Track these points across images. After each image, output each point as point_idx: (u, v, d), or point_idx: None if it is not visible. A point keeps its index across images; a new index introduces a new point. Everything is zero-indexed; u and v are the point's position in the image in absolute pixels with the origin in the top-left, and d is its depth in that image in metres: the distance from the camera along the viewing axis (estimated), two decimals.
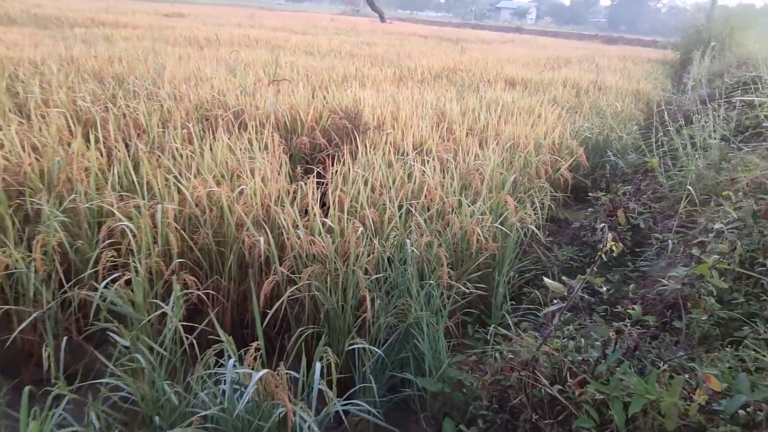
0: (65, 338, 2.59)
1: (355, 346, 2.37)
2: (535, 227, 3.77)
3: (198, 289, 2.91)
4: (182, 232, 3.22)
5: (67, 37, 10.27)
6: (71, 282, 2.93)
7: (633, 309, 2.15)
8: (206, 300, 3.16)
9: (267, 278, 3.31)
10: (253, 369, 2.05)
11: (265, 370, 1.93)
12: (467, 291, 2.99)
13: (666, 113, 7.39)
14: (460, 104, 6.52)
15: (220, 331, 2.19)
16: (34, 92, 5.12)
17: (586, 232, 3.98)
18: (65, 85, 5.60)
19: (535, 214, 3.85)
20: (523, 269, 3.75)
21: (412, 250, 2.87)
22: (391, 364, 2.90)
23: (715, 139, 4.32)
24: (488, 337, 3.34)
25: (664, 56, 18.96)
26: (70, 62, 7.19)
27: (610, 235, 2.13)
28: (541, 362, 2.24)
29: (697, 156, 4.31)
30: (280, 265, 3.03)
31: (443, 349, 2.75)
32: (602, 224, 3.74)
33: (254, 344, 2.05)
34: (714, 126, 4.48)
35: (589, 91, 9.00)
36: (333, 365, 2.32)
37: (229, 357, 2.09)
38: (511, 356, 2.31)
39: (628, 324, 2.10)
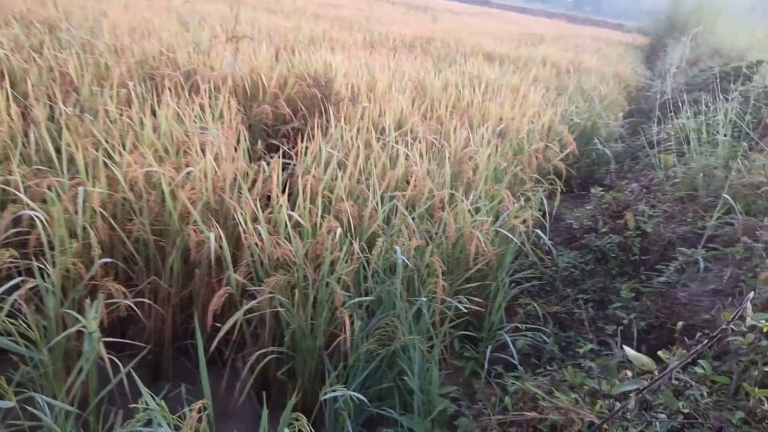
0: None
1: (332, 394, 1.83)
2: (533, 227, 3.28)
3: (126, 297, 2.29)
4: (111, 221, 2.57)
5: None
6: None
7: (701, 366, 1.67)
8: (138, 307, 2.55)
9: (217, 279, 2.71)
10: None
11: None
12: (463, 307, 2.47)
13: (649, 100, 7.03)
14: (439, 78, 5.94)
15: (144, 390, 1.60)
16: None
17: (588, 235, 3.52)
18: None
19: (531, 211, 3.36)
20: (517, 276, 3.26)
21: (403, 260, 2.32)
22: (369, 394, 2.38)
23: (725, 135, 3.91)
24: (478, 355, 2.86)
25: (633, 40, 18.76)
26: None
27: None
28: None
29: (705, 152, 3.89)
30: (235, 269, 2.44)
31: (435, 381, 2.24)
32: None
33: (199, 403, 1.48)
34: (725, 119, 4.07)
35: (570, 71, 8.55)
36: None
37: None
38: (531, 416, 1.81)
39: (694, 385, 1.62)
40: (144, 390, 1.50)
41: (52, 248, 2.29)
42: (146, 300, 2.45)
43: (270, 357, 2.44)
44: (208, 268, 2.69)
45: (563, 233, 3.88)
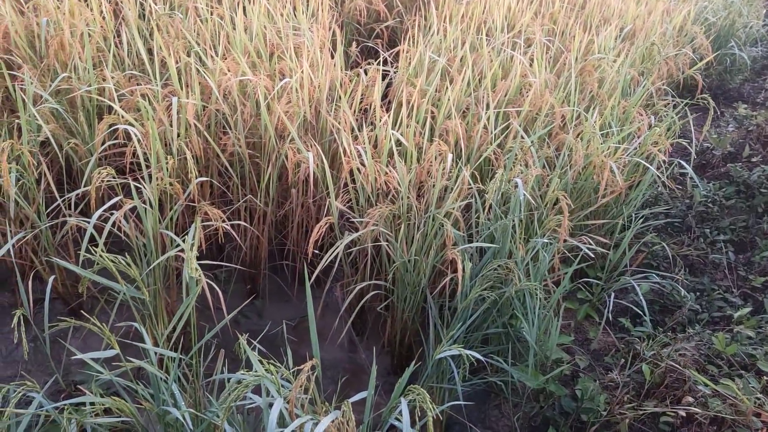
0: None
1: (448, 353, 1.64)
2: (664, 153, 2.83)
3: (223, 220, 2.16)
4: (206, 134, 2.41)
5: None
6: (63, 199, 2.21)
7: None
8: (233, 227, 2.44)
9: (313, 199, 2.54)
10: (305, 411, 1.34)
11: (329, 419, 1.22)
12: (585, 248, 2.17)
13: None
14: None
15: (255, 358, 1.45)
16: None
17: (731, 163, 3.01)
18: None
19: (667, 134, 2.89)
20: (645, 211, 2.87)
21: (524, 195, 2.02)
22: (473, 339, 2.20)
23: None
24: (592, 297, 2.59)
25: None
26: None
27: None
28: None
29: None
30: (336, 196, 2.24)
31: (555, 334, 2.01)
32: None
33: (309, 363, 1.33)
34: None
35: None
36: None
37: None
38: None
39: None
40: (253, 357, 1.36)
41: (148, 164, 2.17)
42: (241, 222, 2.31)
43: (366, 287, 2.29)
44: (305, 188, 2.52)
45: (696, 159, 3.38)
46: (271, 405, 1.34)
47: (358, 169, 2.08)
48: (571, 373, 2.20)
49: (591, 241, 2.24)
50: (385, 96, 3.25)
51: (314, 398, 1.43)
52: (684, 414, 1.52)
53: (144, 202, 2.10)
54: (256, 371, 1.27)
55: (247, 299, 2.87)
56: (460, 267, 1.84)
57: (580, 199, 2.50)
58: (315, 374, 1.38)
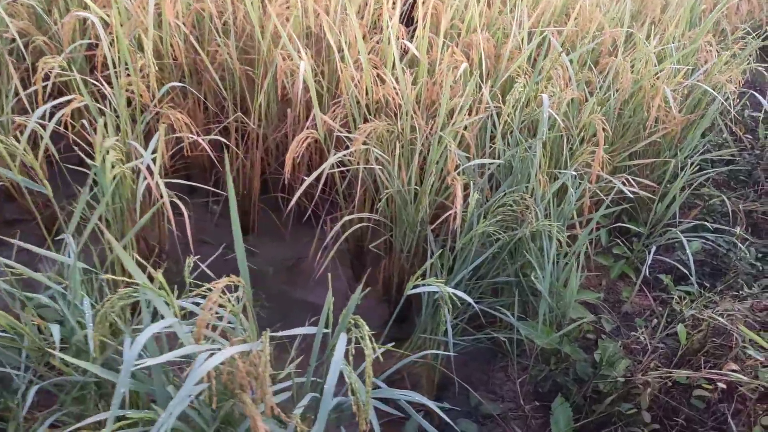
0: None
1: (424, 289, 1.31)
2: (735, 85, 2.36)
3: (197, 134, 1.89)
4: (194, 41, 2.13)
5: None
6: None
7: None
8: (221, 149, 2.17)
9: (312, 122, 2.23)
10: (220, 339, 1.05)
11: (238, 348, 0.92)
12: (627, 190, 1.78)
13: None
14: None
15: None
16: None
17: None
18: None
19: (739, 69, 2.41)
20: (703, 157, 2.42)
21: (550, 114, 1.65)
22: (481, 287, 1.87)
23: None
24: (631, 254, 2.20)
25: None
26: None
27: None
28: None
29: None
30: (331, 112, 1.92)
31: (574, 286, 1.65)
32: None
33: (224, 281, 1.03)
34: None
35: None
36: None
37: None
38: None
39: None
40: (130, 264, 1.07)
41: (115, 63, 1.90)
42: (219, 138, 2.02)
43: (362, 224, 1.98)
44: (306, 109, 2.21)
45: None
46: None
47: (353, 77, 1.74)
48: (595, 337, 1.84)
49: (633, 183, 1.85)
50: (411, 20, 2.89)
51: (251, 329, 1.14)
52: (724, 386, 1.16)
53: (110, 110, 1.85)
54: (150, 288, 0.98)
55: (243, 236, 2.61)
56: (458, 194, 1.50)
57: (624, 136, 2.09)
58: (244, 298, 1.09)
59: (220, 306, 1.07)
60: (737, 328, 1.20)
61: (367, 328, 0.97)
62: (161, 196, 1.75)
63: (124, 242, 1.46)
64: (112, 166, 1.41)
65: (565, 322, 1.69)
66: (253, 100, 2.23)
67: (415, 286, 1.25)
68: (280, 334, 1.10)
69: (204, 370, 0.88)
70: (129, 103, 1.93)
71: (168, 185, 1.96)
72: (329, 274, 2.34)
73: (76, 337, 1.13)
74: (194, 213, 2.68)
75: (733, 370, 1.13)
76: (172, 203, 1.99)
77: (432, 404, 1.16)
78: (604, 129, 1.68)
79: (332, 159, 1.67)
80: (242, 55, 2.36)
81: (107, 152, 1.38)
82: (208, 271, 1.48)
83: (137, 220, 2.12)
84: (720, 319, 1.29)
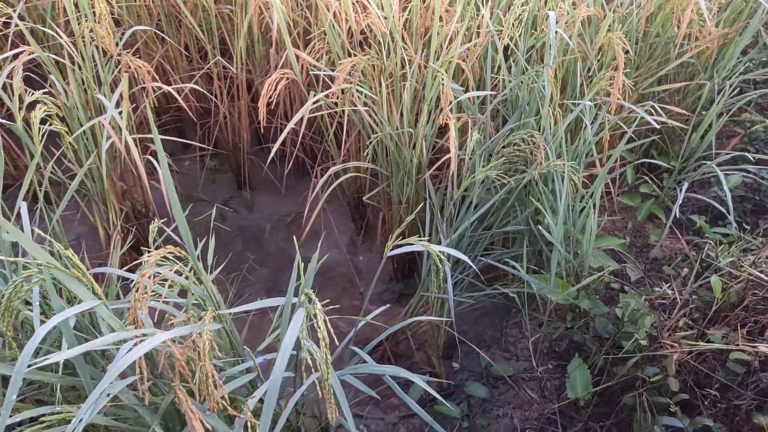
0: None
1: (409, 248, 1.12)
2: None
3: (159, 80, 1.70)
4: None
5: None
6: None
7: None
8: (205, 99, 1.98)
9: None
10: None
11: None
12: (653, 120, 1.54)
13: None
14: None
15: None
16: None
17: None
18: None
19: None
20: (743, 77, 2.13)
21: (558, 34, 1.40)
22: (490, 238, 1.68)
23: None
24: (661, 192, 1.97)
25: None
26: None
27: None
28: None
29: None
30: (311, 48, 1.71)
31: (592, 230, 1.45)
32: None
33: (171, 249, 0.87)
34: None
35: None
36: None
37: None
38: None
39: None
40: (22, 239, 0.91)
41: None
42: (194, 86, 1.83)
43: (355, 174, 1.81)
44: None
45: None
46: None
47: (328, 5, 1.52)
48: (619, 287, 1.65)
49: (661, 111, 1.61)
50: None
51: (212, 302, 0.98)
52: (767, 351, 0.97)
53: (72, 62, 1.67)
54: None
55: (237, 191, 2.47)
56: (452, 134, 1.30)
57: (651, 57, 1.83)
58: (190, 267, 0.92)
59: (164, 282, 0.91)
60: None
61: (319, 306, 0.80)
62: (128, 154, 1.59)
63: (61, 210, 1.30)
64: (44, 123, 1.23)
65: (583, 273, 1.50)
66: (233, 41, 2.03)
67: (395, 246, 1.07)
68: (234, 310, 0.94)
69: (126, 361, 0.73)
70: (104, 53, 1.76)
71: (152, 141, 1.80)
72: (324, 232, 2.21)
73: None
74: (187, 169, 2.54)
75: None
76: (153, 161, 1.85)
77: (417, 378, 1.00)
78: (625, 50, 1.43)
79: (310, 102, 1.47)
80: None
81: (37, 107, 1.20)
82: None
83: (118, 182, 1.98)
84: (763, 267, 1.09)
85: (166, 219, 1.32)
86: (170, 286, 1.02)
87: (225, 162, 2.46)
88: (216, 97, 2.14)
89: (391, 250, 1.09)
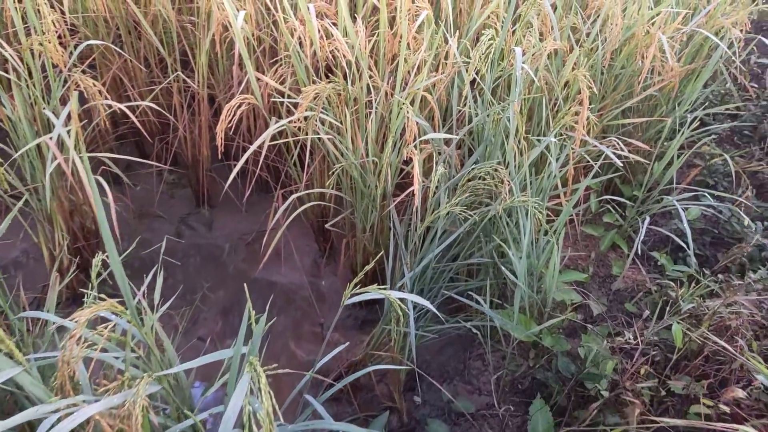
0: None
1: (367, 296, 1.08)
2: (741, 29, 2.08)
3: (109, 98, 1.63)
4: None
5: None
6: None
7: None
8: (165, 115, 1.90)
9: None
10: None
11: None
12: (613, 155, 1.54)
13: None
14: None
15: None
16: None
17: None
18: None
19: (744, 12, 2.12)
20: (702, 112, 2.17)
21: (524, 70, 1.39)
22: (455, 269, 1.66)
23: None
24: (623, 222, 1.98)
25: None
26: None
27: None
28: None
29: None
30: (273, 72, 1.65)
31: (555, 264, 1.44)
32: None
33: (109, 305, 0.81)
34: None
35: None
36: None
37: None
38: None
39: None
40: None
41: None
42: (149, 104, 1.75)
43: (317, 201, 1.76)
44: (255, 69, 1.93)
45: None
46: None
47: (294, 30, 1.47)
48: (582, 319, 1.65)
49: (623, 146, 1.61)
50: None
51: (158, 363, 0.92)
52: (727, 409, 0.97)
53: (19, 77, 1.58)
54: None
55: (196, 208, 2.39)
56: (416, 169, 1.27)
57: (616, 90, 1.84)
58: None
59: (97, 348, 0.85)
60: (739, 336, 0.99)
61: (264, 380, 0.74)
62: (72, 174, 1.51)
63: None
64: None
65: (546, 309, 1.48)
66: (195, 54, 1.96)
67: (354, 294, 1.03)
68: (173, 371, 0.88)
69: None
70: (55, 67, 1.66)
71: (105, 155, 1.72)
72: (285, 252, 2.15)
73: None
74: (145, 183, 2.44)
75: (737, 399, 0.93)
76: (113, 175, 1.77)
77: None
78: (589, 87, 1.43)
79: (272, 129, 1.42)
80: (185, 4, 2.08)
81: None
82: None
83: (65, 199, 1.88)
84: (723, 313, 1.09)
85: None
86: (108, 339, 0.95)
87: (184, 177, 2.38)
88: (176, 111, 2.06)
89: (349, 299, 1.05)
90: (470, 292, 1.54)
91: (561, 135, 1.56)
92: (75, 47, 1.73)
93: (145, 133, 1.81)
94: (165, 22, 1.98)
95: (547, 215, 1.51)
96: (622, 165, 2.05)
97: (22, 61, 1.55)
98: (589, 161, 1.71)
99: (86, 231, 1.97)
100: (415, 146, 1.31)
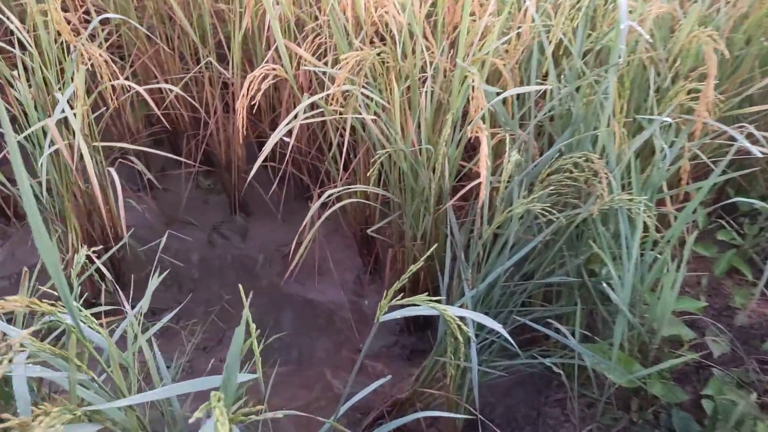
0: None
1: (412, 312, 0.77)
2: None
3: (117, 73, 1.41)
4: None
5: None
6: None
7: None
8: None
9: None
10: None
11: None
12: (744, 138, 1.17)
13: None
14: None
15: None
16: None
17: None
18: None
19: None
20: None
21: (633, 28, 1.06)
22: (528, 290, 1.31)
23: None
24: (743, 241, 1.58)
25: None
26: None
27: None
28: None
29: None
30: (309, 41, 1.39)
31: (668, 290, 1.08)
32: None
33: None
34: None
35: None
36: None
37: None
38: None
39: None
40: None
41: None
42: (173, 88, 1.53)
43: (358, 200, 1.47)
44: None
45: None
46: None
47: None
48: (696, 364, 1.27)
49: (760, 136, 1.24)
50: None
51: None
52: None
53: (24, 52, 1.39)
54: None
55: (231, 215, 2.15)
56: (484, 151, 0.95)
57: (735, 73, 1.47)
58: None
59: None
60: None
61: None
62: (75, 169, 1.29)
63: None
64: None
65: (653, 346, 1.12)
66: (230, 44, 1.74)
67: (392, 308, 0.72)
68: (136, 401, 0.60)
69: None
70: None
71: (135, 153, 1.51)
72: (326, 267, 1.87)
73: None
74: (176, 188, 2.23)
75: None
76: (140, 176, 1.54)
77: None
78: (718, 50, 1.08)
79: (303, 104, 1.14)
80: None
81: None
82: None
83: (82, 201, 1.68)
84: None
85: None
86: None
87: (219, 182, 2.15)
88: (207, 104, 1.84)
89: (386, 313, 0.74)
90: (549, 320, 1.20)
91: (671, 118, 1.21)
92: (96, 26, 1.53)
93: (167, 125, 1.58)
94: (199, 8, 1.78)
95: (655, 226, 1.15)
96: (736, 172, 1.65)
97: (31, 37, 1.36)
98: (703, 158, 1.34)
99: (105, 236, 1.76)
100: (483, 122, 1.00)
